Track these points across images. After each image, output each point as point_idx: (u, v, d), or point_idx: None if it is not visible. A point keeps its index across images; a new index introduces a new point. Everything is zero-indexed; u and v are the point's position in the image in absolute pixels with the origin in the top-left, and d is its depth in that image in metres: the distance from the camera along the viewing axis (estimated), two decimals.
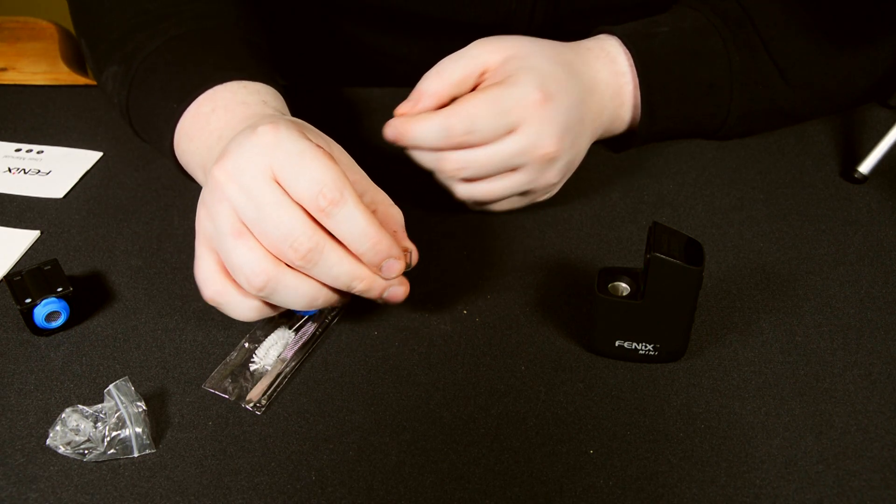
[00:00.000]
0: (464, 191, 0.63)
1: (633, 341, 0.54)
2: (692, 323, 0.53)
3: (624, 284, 0.54)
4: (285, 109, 0.62)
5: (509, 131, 0.59)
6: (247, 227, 0.50)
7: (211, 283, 0.52)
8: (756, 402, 0.52)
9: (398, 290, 0.53)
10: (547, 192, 0.65)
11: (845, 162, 0.73)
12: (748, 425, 0.51)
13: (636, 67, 0.67)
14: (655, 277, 0.50)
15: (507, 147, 0.59)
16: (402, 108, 0.62)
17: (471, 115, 0.58)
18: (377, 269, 0.51)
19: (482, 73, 0.62)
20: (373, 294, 0.52)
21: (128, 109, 0.68)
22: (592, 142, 0.67)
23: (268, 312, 0.53)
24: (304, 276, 0.50)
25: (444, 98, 0.61)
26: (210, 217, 0.51)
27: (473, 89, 0.62)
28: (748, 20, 0.70)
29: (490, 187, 0.62)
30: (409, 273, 0.53)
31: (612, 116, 0.68)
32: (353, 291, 0.52)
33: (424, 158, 0.61)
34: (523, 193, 0.63)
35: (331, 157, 0.50)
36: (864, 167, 0.70)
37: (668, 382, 0.54)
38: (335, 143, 0.55)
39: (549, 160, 0.60)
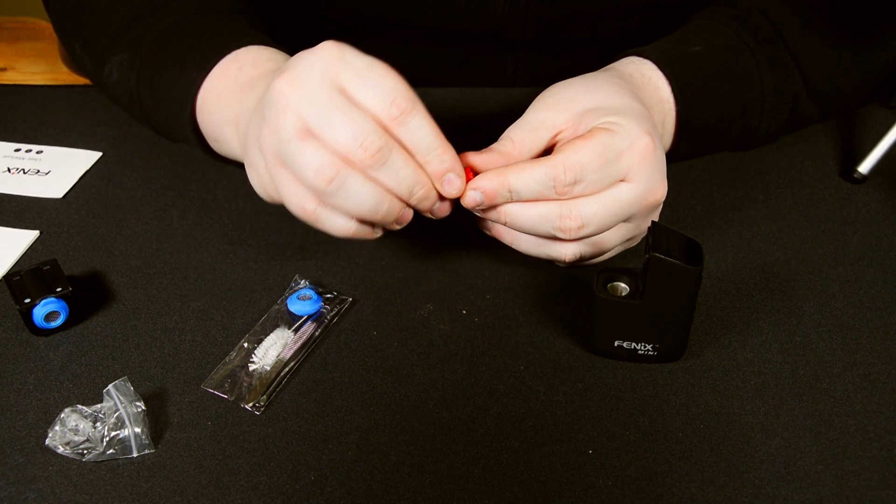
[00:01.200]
0: (574, 251, 0.56)
1: (632, 341, 0.54)
2: (691, 323, 0.53)
3: (623, 284, 0.54)
4: None
5: (619, 181, 0.53)
6: (312, 132, 0.49)
7: (304, 199, 0.52)
8: (755, 402, 0.52)
9: (445, 205, 0.54)
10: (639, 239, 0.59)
11: (845, 162, 0.73)
12: (747, 425, 0.51)
13: (674, 93, 0.65)
14: (654, 277, 0.50)
15: (622, 196, 0.53)
16: (473, 159, 0.55)
17: (580, 164, 0.52)
18: (439, 181, 0.52)
19: (555, 136, 0.57)
20: (426, 204, 0.53)
21: (137, 91, 0.68)
22: None
23: (364, 231, 0.53)
24: (369, 180, 0.50)
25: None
26: (273, 131, 0.51)
27: (549, 149, 0.57)
28: (778, 35, 0.69)
29: (600, 239, 0.55)
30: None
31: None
32: (411, 200, 0.52)
33: (532, 216, 0.54)
34: (625, 242, 0.58)
35: (396, 71, 0.50)
36: (864, 167, 0.70)
37: (668, 382, 0.54)
38: None
39: (657, 206, 0.56)
